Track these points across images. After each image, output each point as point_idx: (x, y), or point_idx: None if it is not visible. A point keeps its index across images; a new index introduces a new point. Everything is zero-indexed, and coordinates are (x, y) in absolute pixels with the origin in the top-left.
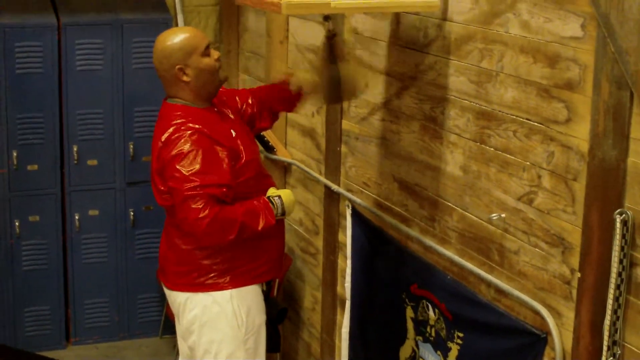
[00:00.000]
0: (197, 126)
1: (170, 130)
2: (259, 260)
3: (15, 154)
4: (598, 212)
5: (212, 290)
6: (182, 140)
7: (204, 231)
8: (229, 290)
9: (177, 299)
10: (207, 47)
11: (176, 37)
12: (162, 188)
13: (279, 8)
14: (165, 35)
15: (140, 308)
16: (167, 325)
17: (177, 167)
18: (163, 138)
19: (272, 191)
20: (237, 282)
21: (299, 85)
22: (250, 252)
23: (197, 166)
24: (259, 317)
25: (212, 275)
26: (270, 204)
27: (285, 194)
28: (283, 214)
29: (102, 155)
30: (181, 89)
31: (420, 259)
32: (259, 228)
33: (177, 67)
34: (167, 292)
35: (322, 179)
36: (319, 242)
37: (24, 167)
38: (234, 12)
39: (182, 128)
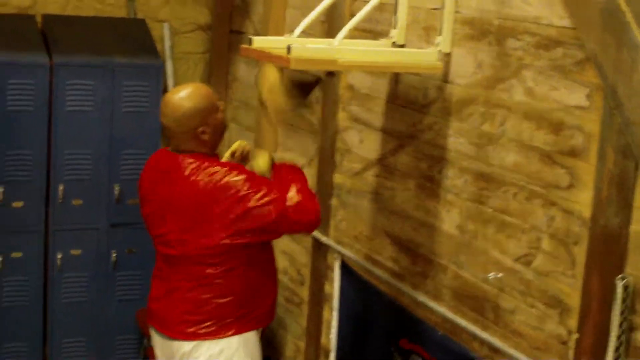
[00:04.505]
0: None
1: (215, 172)
2: (262, 304)
3: (1, 190)
4: (599, 277)
5: (218, 337)
6: (227, 175)
7: (312, 204)
8: (236, 337)
9: (181, 348)
10: (217, 102)
11: (195, 99)
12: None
13: (288, 62)
14: (180, 97)
15: (117, 349)
16: None
17: (246, 193)
18: (209, 181)
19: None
20: (242, 327)
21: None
22: (257, 297)
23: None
24: None
25: (227, 320)
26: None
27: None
28: None
29: (87, 196)
30: (197, 145)
31: (411, 313)
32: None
33: (200, 129)
34: (165, 342)
35: None
36: (304, 292)
37: (9, 204)
38: (223, 61)
39: (222, 168)
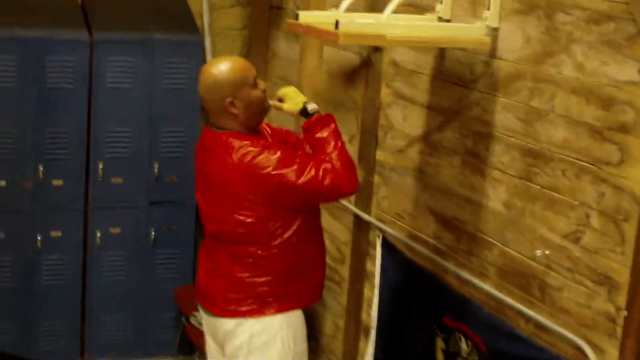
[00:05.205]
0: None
1: (246, 152)
2: (308, 283)
3: (41, 168)
4: None
5: (262, 315)
6: (260, 155)
7: (348, 176)
8: (279, 316)
9: (224, 325)
10: (255, 79)
11: (226, 69)
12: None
13: (337, 38)
14: (214, 67)
15: (155, 327)
16: (182, 346)
17: (277, 172)
18: (240, 159)
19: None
20: (286, 306)
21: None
22: (298, 277)
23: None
24: (304, 343)
25: (268, 300)
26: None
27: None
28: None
29: (126, 174)
30: (229, 120)
31: (455, 291)
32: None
33: (228, 100)
34: (210, 319)
35: (352, 207)
36: (345, 271)
37: (49, 182)
38: (262, 37)
39: (255, 148)
